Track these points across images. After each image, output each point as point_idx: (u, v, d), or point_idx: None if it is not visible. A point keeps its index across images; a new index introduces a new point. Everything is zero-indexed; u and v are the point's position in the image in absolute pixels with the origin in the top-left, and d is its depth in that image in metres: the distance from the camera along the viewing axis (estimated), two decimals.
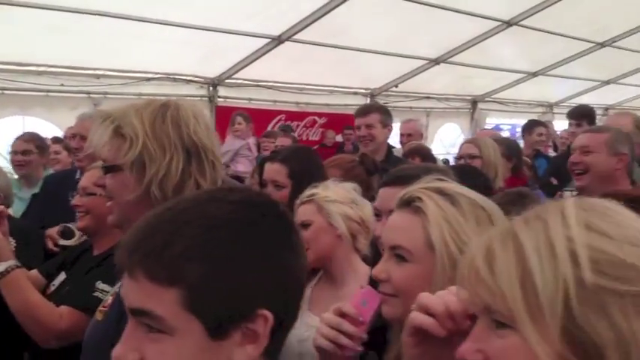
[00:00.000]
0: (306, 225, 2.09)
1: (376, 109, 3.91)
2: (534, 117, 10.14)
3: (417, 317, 0.98)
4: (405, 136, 6.11)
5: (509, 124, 12.00)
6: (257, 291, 0.90)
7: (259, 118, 7.98)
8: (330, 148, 8.26)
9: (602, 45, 9.26)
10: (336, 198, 2.09)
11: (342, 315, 1.30)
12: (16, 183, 4.11)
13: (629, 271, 0.75)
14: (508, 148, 4.50)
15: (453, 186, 1.35)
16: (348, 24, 6.97)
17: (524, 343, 0.76)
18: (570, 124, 5.20)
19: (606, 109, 12.97)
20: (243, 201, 0.96)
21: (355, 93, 9.19)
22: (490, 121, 11.59)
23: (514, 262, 0.79)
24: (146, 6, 5.70)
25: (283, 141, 5.30)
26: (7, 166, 4.50)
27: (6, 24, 5.21)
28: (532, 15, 7.66)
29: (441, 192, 1.31)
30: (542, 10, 7.51)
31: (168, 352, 0.87)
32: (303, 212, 2.12)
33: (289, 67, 7.74)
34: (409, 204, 1.32)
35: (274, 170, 2.69)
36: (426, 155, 4.71)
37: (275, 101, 8.36)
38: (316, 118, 9.04)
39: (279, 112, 8.61)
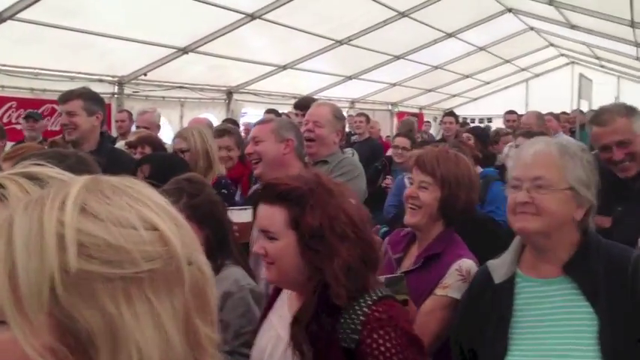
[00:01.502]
0: None
1: (78, 95, 3.64)
2: (289, 108, 10.65)
3: None
4: (143, 128, 5.93)
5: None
6: None
7: None
8: None
9: (341, 43, 10.02)
10: None
11: None
12: None
13: (116, 253, 0.73)
14: (234, 137, 4.60)
15: (47, 170, 1.24)
16: (79, 4, 6.53)
17: (14, 338, 0.72)
18: (297, 115, 5.50)
19: (352, 102, 14.16)
20: None
21: (101, 80, 8.66)
22: (249, 112, 11.89)
23: (4, 253, 0.73)
24: None
25: None
26: None
27: None
28: (273, 10, 7.97)
29: (30, 176, 1.20)
30: (281, 5, 7.84)
31: None
32: None
33: (18, 49, 7.00)
34: None
35: None
36: (156, 144, 4.60)
37: (3, 87, 7.51)
38: (55, 106, 8.31)
39: (10, 99, 7.75)
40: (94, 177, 0.82)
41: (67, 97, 3.64)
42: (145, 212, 0.78)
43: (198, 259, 0.82)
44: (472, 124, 13.50)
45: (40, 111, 8.08)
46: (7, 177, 1.21)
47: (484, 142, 6.53)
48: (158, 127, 5.95)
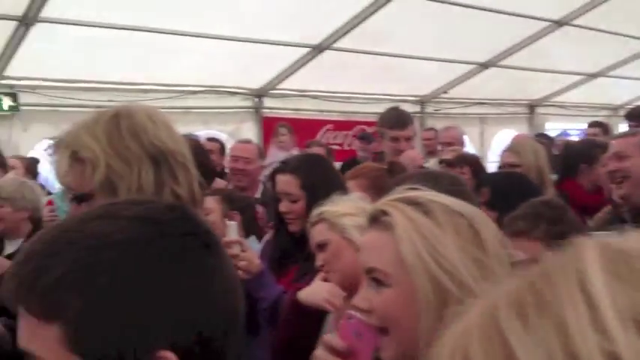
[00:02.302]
0: (322, 245, 1.98)
1: (412, 120, 3.70)
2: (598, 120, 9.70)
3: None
4: (446, 145, 5.92)
5: (577, 129, 11.41)
6: (153, 327, 0.75)
7: (306, 129, 7.99)
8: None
9: None
10: (346, 211, 1.96)
11: (336, 352, 1.18)
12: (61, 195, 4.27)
13: None
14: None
15: (426, 194, 1.21)
16: (388, 30, 6.90)
17: None
18: (630, 127, 4.91)
19: None
20: (140, 216, 0.81)
21: (404, 100, 9.04)
22: (551, 126, 11.14)
23: None
24: (187, 21, 5.88)
25: (317, 151, 5.17)
26: None
27: (49, 42, 5.47)
28: (583, 14, 7.35)
29: (411, 202, 1.18)
30: (592, 9, 7.19)
31: None
32: (316, 233, 2.01)
33: (333, 76, 7.73)
34: (377, 220, 1.21)
35: (285, 182, 2.56)
36: (476, 163, 4.37)
37: (321, 111, 8.37)
38: (365, 127, 8.95)
39: (326, 122, 8.59)
40: (602, 242, 0.51)
41: (406, 122, 3.65)
42: None
43: None
44: None
45: (352, 132, 8.78)
46: (388, 204, 1.20)
47: None
48: (462, 143, 5.89)
